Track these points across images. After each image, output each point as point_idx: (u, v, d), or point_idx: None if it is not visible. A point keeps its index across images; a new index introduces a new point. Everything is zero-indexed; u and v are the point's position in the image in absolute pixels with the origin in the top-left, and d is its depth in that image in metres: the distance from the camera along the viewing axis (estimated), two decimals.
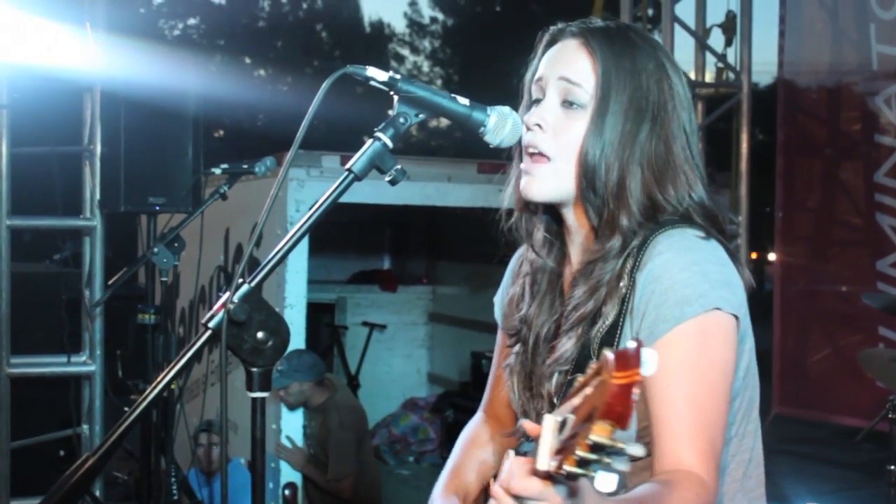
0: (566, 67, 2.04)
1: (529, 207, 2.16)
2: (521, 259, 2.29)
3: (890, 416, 5.25)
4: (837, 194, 9.19)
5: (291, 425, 6.82)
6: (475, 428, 2.50)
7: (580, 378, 1.45)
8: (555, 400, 2.04)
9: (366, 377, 10.10)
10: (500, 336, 2.41)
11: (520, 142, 2.06)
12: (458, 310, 10.40)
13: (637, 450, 1.34)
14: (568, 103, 2.03)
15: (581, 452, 1.34)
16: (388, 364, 10.72)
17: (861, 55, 8.81)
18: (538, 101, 2.08)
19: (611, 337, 1.94)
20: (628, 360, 1.32)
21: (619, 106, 1.99)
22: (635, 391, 1.30)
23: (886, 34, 8.53)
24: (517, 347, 2.19)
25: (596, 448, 1.33)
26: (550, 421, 1.48)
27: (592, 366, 1.42)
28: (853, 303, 8.37)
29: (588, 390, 1.39)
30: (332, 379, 7.09)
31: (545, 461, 1.46)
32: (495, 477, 2.29)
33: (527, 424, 1.63)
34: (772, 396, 9.18)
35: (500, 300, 2.39)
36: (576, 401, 1.43)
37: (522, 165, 2.07)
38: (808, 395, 9.20)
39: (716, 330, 1.89)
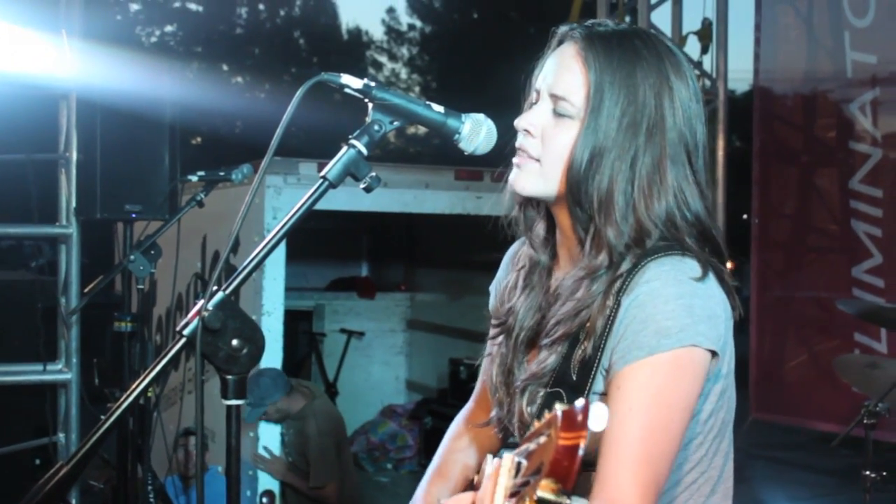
0: (557, 80, 2.03)
1: (530, 203, 2.16)
2: (518, 250, 2.29)
3: (865, 421, 5.28)
4: (813, 201, 9.24)
5: (269, 433, 6.80)
6: (459, 426, 2.50)
7: (537, 423, 1.46)
8: (527, 417, 2.04)
9: (344, 384, 10.08)
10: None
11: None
12: (436, 316, 10.40)
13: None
14: (557, 114, 2.02)
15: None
16: (366, 371, 10.71)
17: (836, 63, 8.87)
18: (533, 104, 2.08)
19: (591, 359, 1.94)
20: (575, 421, 1.32)
21: (610, 118, 1.96)
22: (580, 451, 1.31)
23: (860, 42, 8.58)
24: (500, 338, 2.20)
25: (542, 502, 1.34)
26: (508, 460, 1.49)
27: (546, 415, 1.42)
28: (829, 309, 8.40)
29: (541, 440, 1.41)
30: (307, 386, 7.07)
31: (500, 501, 1.48)
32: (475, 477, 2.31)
33: (488, 466, 1.64)
34: (749, 402, 9.21)
35: (494, 288, 2.39)
36: (531, 445, 1.44)
37: (514, 159, 2.07)
38: (785, 400, 9.24)
39: (687, 365, 1.87)
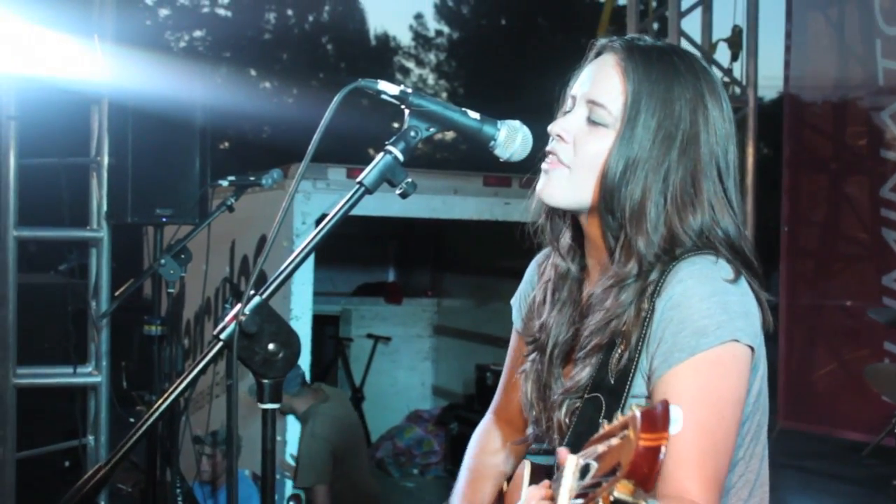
0: (596, 87, 2.03)
1: (557, 212, 2.16)
2: (542, 263, 2.29)
3: (895, 431, 5.23)
4: (843, 209, 9.20)
5: (296, 437, 6.81)
6: (486, 433, 2.51)
7: (606, 425, 1.46)
8: (565, 427, 2.04)
9: (370, 389, 10.09)
10: (514, 338, 2.42)
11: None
12: (463, 322, 10.40)
13: None
14: (592, 122, 2.02)
15: None
16: (392, 376, 10.71)
17: (867, 70, 8.82)
18: (568, 112, 2.08)
19: (629, 362, 1.94)
20: (656, 422, 1.33)
21: (646, 130, 1.97)
22: (662, 453, 1.31)
23: (892, 50, 8.54)
24: (534, 355, 2.19)
25: (617, 503, 1.34)
26: (573, 462, 1.49)
27: (619, 417, 1.42)
28: (859, 317, 8.36)
29: (614, 441, 1.40)
30: (323, 389, 7.02)
31: (565, 502, 1.48)
32: (509, 481, 2.31)
33: (561, 452, 1.63)
34: (777, 411, 9.17)
35: (517, 302, 2.40)
36: (600, 448, 1.44)
37: (543, 165, 2.08)
38: (814, 409, 9.19)
39: (730, 361, 1.88)
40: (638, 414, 1.35)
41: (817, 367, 9.27)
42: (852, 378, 8.57)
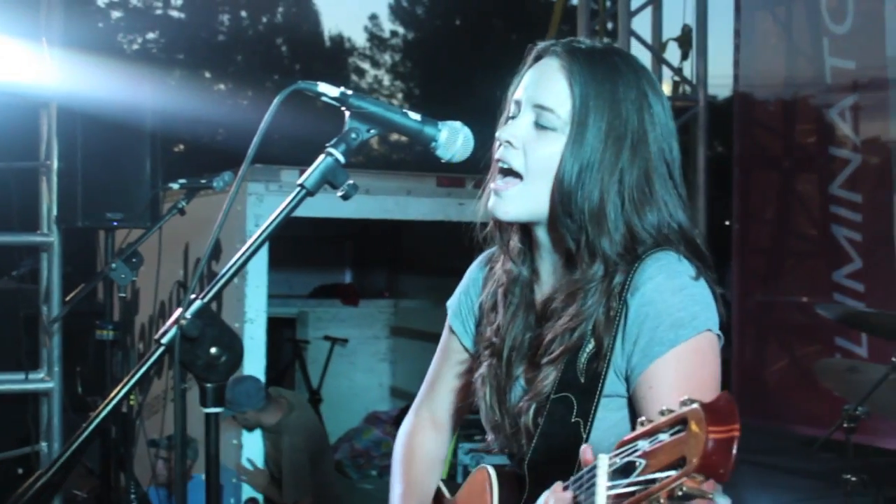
0: (541, 91, 2.05)
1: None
2: (487, 265, 2.29)
3: (845, 425, 5.30)
4: (793, 206, 9.27)
5: (253, 443, 6.79)
6: (417, 441, 2.50)
7: (646, 421, 1.46)
8: (532, 430, 2.04)
9: (328, 391, 10.07)
10: (445, 337, 2.42)
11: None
12: (420, 323, 10.40)
13: (724, 500, 1.36)
14: (540, 126, 2.03)
15: (665, 501, 1.35)
16: (350, 378, 10.70)
17: (815, 68, 8.90)
18: (514, 117, 2.09)
19: (601, 361, 1.96)
20: (723, 414, 1.33)
21: (597, 132, 1.99)
22: (735, 444, 1.31)
23: (839, 48, 8.62)
24: (490, 360, 2.20)
25: (685, 498, 1.33)
26: (605, 461, 1.49)
27: (666, 413, 1.42)
28: (810, 314, 8.42)
29: (666, 438, 1.39)
30: (286, 397, 7.01)
31: (602, 502, 1.47)
32: (453, 491, 2.31)
33: (586, 453, 1.63)
34: None
35: (455, 302, 2.40)
36: (645, 445, 1.43)
37: (492, 185, 2.08)
38: (767, 404, 9.26)
39: (708, 349, 1.94)
40: (696, 407, 1.34)
41: (770, 362, 9.34)
42: (804, 373, 8.64)
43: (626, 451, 1.48)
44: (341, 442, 9.40)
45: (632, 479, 1.43)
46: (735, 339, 9.45)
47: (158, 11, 32.24)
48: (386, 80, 35.52)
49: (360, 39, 35.68)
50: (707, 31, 9.06)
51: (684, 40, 9.25)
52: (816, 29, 8.81)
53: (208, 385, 1.86)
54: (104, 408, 1.80)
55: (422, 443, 2.49)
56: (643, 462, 1.42)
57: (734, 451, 1.33)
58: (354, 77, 33.64)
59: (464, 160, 2.04)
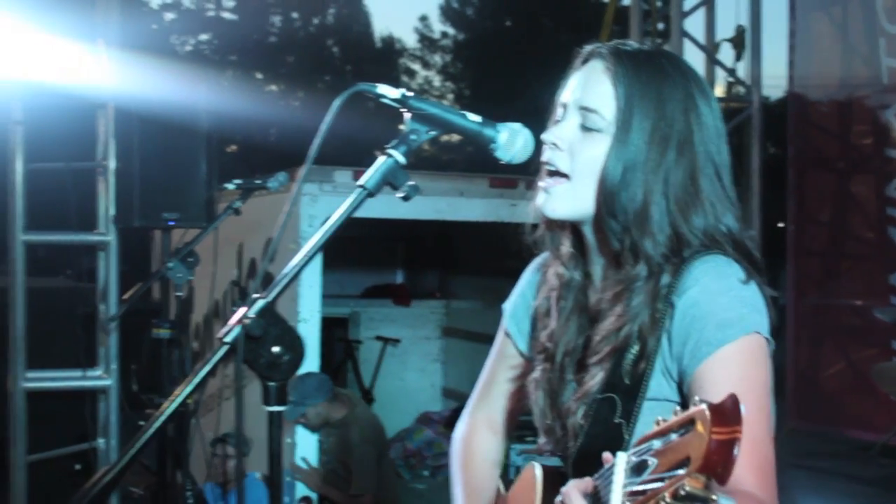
0: (587, 93, 2.04)
1: (556, 222, 2.16)
2: (542, 269, 2.29)
3: None
4: (849, 208, 9.19)
5: (307, 440, 6.83)
6: (475, 444, 2.50)
7: (661, 421, 1.47)
8: (579, 430, 2.04)
9: (380, 391, 10.11)
10: (500, 340, 2.42)
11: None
12: (471, 324, 10.40)
13: (727, 502, 1.36)
14: (586, 128, 2.03)
15: (670, 500, 1.36)
16: (401, 378, 10.72)
17: (871, 69, 8.82)
18: (560, 120, 2.09)
19: (646, 363, 1.95)
20: (727, 415, 1.34)
21: (641, 132, 1.98)
22: (737, 446, 1.32)
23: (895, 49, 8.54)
24: (544, 364, 2.20)
25: (688, 498, 1.34)
26: (623, 459, 1.50)
27: (679, 412, 1.42)
28: (866, 317, 8.36)
29: (674, 437, 1.40)
30: (347, 394, 7.10)
31: (618, 500, 1.48)
32: (507, 485, 2.32)
33: (607, 456, 1.65)
34: (786, 411, 9.16)
35: (511, 306, 2.40)
36: (657, 443, 1.44)
37: (540, 183, 2.08)
38: (823, 409, 9.19)
39: (757, 351, 1.91)
40: (705, 407, 1.35)
41: (826, 366, 9.26)
42: (860, 377, 8.57)
43: (641, 449, 1.49)
44: (393, 442, 9.42)
45: (643, 477, 1.44)
46: (790, 342, 9.38)
47: (211, 13, 32.51)
48: (436, 81, 35.60)
49: (410, 40, 35.79)
50: (761, 32, 8.99)
51: (738, 41, 9.20)
52: (872, 29, 8.73)
53: (270, 384, 1.87)
54: (170, 406, 1.82)
55: (479, 445, 2.50)
56: (654, 461, 1.43)
57: (735, 453, 1.33)
58: (405, 78, 33.73)
59: (523, 162, 2.04)
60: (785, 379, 9.19)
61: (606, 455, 1.66)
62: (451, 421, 9.54)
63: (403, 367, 10.77)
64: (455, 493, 2.46)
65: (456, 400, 10.34)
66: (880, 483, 8.06)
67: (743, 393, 1.85)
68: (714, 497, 1.34)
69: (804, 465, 8.65)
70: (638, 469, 1.47)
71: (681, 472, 1.35)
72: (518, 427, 2.50)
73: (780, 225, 9.94)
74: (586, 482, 1.72)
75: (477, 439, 2.50)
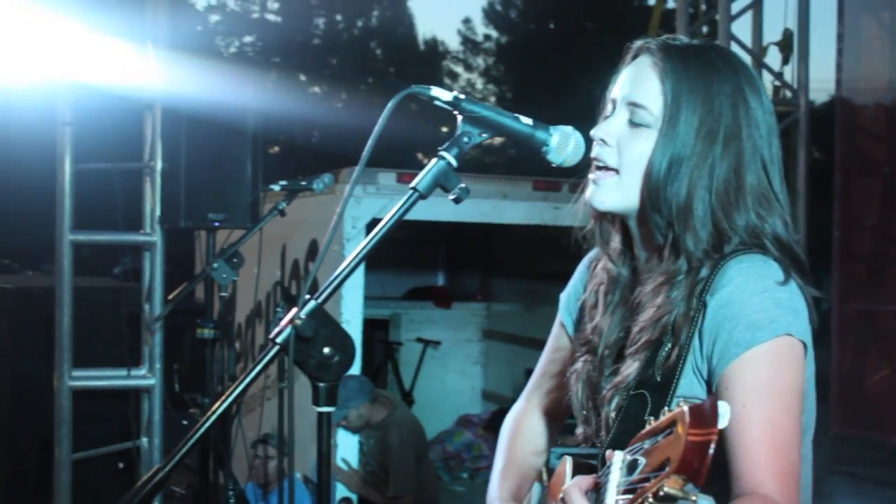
0: (634, 89, 2.05)
1: (605, 217, 2.17)
2: (594, 262, 2.30)
3: None
4: None
5: (347, 442, 6.85)
6: (526, 426, 2.52)
7: (652, 422, 1.47)
8: (611, 424, 2.05)
9: (420, 393, 10.12)
10: (556, 328, 2.43)
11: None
12: (512, 327, 10.40)
13: (706, 502, 1.37)
14: (634, 123, 2.03)
15: (652, 500, 1.37)
16: (442, 380, 10.73)
17: None
18: (609, 116, 2.09)
19: (677, 360, 1.94)
20: (705, 417, 1.35)
21: (688, 127, 1.97)
22: (711, 448, 1.32)
23: None
24: (585, 356, 2.21)
25: (667, 498, 1.35)
26: (620, 458, 1.51)
27: (666, 413, 1.43)
28: None
29: (661, 439, 1.41)
30: (387, 395, 7.12)
31: (612, 497, 1.49)
32: (550, 475, 2.32)
33: (609, 454, 1.66)
34: (830, 416, 9.09)
35: (566, 297, 2.41)
36: (647, 444, 1.45)
37: (590, 175, 2.09)
38: (867, 415, 9.09)
39: (787, 354, 1.89)
40: (686, 409, 1.36)
41: (871, 372, 9.17)
42: None
43: (634, 448, 1.51)
44: (432, 444, 9.43)
45: (634, 476, 1.47)
46: (835, 348, 9.29)
47: (255, 15, 32.69)
48: (479, 84, 35.63)
49: (453, 43, 35.93)
50: (808, 35, 8.91)
51: (785, 45, 9.12)
52: None
53: (321, 384, 1.88)
54: (221, 404, 1.82)
55: (529, 425, 2.52)
56: (644, 461, 1.46)
57: (709, 454, 1.33)
58: (448, 80, 33.81)
59: (575, 164, 2.04)
60: (829, 384, 9.11)
61: (609, 453, 1.67)
62: (490, 424, 9.54)
63: (443, 370, 10.78)
64: (496, 461, 2.48)
65: (496, 402, 10.34)
66: None
67: (769, 396, 1.86)
68: (693, 498, 1.34)
69: (846, 472, 8.58)
70: (631, 468, 1.49)
71: (662, 472, 1.36)
72: (566, 427, 2.51)
73: (826, 230, 9.86)
74: (589, 479, 1.75)
75: (528, 419, 2.53)
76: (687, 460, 1.33)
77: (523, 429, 2.51)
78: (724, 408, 1.38)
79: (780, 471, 1.82)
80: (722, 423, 1.37)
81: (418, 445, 6.93)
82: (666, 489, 1.35)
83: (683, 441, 1.34)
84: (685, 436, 1.34)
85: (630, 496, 1.44)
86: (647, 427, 1.50)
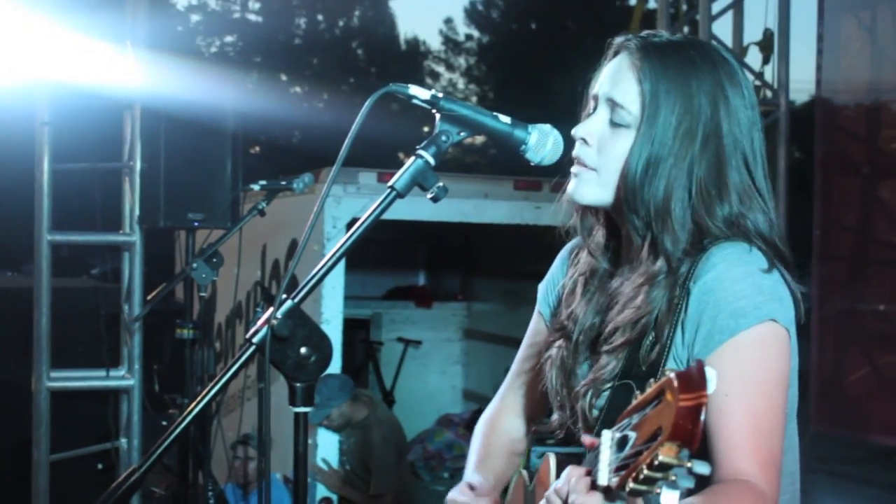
0: (614, 88, 2.04)
1: (589, 210, 2.17)
2: (574, 251, 2.29)
3: None
4: (876, 213, 9.13)
5: (327, 442, 6.83)
6: (497, 418, 2.52)
7: (639, 396, 1.47)
8: (591, 417, 2.05)
9: (401, 393, 10.11)
10: (534, 319, 2.42)
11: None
12: (493, 326, 10.40)
13: (703, 468, 1.36)
14: (614, 123, 2.03)
15: (647, 471, 1.36)
16: (423, 380, 10.72)
17: None
18: (590, 114, 2.09)
19: (661, 351, 1.94)
20: (693, 382, 1.34)
21: (666, 126, 1.97)
22: (703, 412, 1.32)
23: None
24: (560, 342, 2.20)
25: (662, 467, 1.34)
26: (608, 436, 1.50)
27: (653, 384, 1.43)
28: (891, 322, 8.31)
29: (649, 410, 1.41)
30: (368, 394, 7.11)
31: (606, 476, 1.48)
32: (531, 479, 2.31)
33: (586, 439, 1.65)
34: (809, 415, 9.11)
35: (545, 287, 2.40)
36: (636, 418, 1.44)
37: (572, 168, 2.09)
38: (846, 414, 9.12)
39: (771, 340, 1.89)
40: (673, 376, 1.36)
41: (850, 370, 9.20)
42: (885, 382, 8.52)
43: (622, 425, 1.50)
44: (413, 444, 9.42)
45: (625, 452, 1.46)
46: (814, 347, 9.32)
47: (236, 15, 32.61)
48: (460, 84, 35.61)
49: (434, 43, 35.85)
50: (789, 36, 8.93)
51: (766, 45, 9.14)
52: None
53: (297, 384, 1.86)
54: (197, 405, 1.81)
55: (503, 425, 2.51)
56: (634, 435, 1.45)
57: (702, 418, 1.33)
58: (429, 80, 33.76)
59: (553, 163, 2.03)
60: (809, 383, 9.14)
61: (586, 438, 1.68)
62: (471, 423, 9.50)
63: (424, 369, 10.77)
64: (468, 460, 2.46)
65: (477, 402, 10.34)
66: None
67: (752, 384, 1.86)
68: (688, 464, 1.34)
69: (825, 470, 8.61)
70: (621, 445, 1.48)
71: (655, 442, 1.36)
72: (541, 440, 2.50)
73: (806, 230, 9.90)
74: (579, 470, 1.71)
75: (503, 419, 2.52)
76: (679, 426, 1.33)
77: (497, 430, 2.50)
78: (711, 372, 1.38)
79: (762, 459, 1.82)
80: (710, 388, 1.36)
81: (399, 444, 6.93)
82: (661, 458, 1.34)
83: (674, 407, 1.34)
84: (675, 402, 1.34)
85: (623, 472, 1.44)
86: (634, 402, 1.49)
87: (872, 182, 9.23)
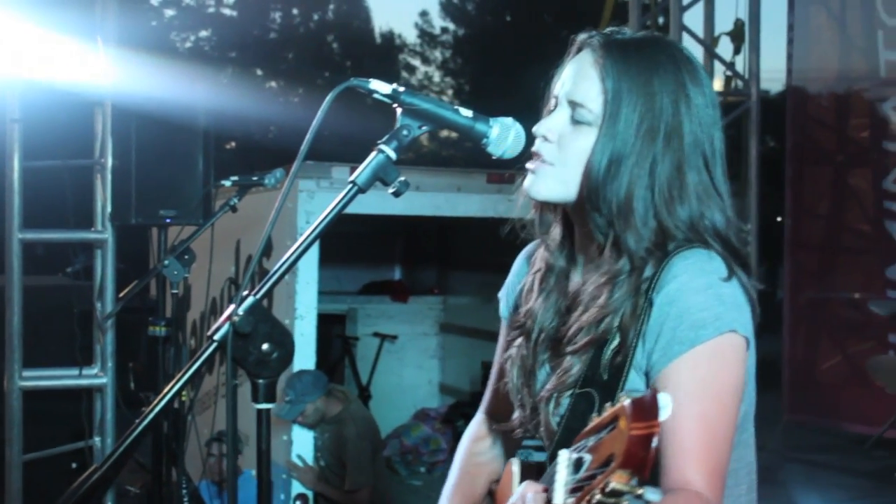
0: (576, 87, 2.04)
1: (547, 206, 2.17)
2: (532, 254, 2.30)
3: None
4: (846, 201, 9.20)
5: (302, 438, 6.83)
6: (477, 433, 2.53)
7: (595, 418, 1.48)
8: (553, 424, 2.05)
9: (377, 388, 10.10)
10: (503, 331, 2.43)
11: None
12: (469, 320, 10.40)
13: (654, 495, 1.37)
14: (575, 121, 2.03)
15: (600, 496, 1.37)
16: (399, 375, 10.71)
17: (869, 62, 8.83)
18: (552, 111, 2.09)
19: (623, 359, 1.94)
20: (646, 410, 1.35)
21: (628, 125, 1.97)
22: (654, 441, 1.33)
23: (894, 41, 8.54)
24: (519, 340, 2.21)
25: (614, 493, 1.36)
26: (565, 456, 1.51)
27: (608, 409, 1.44)
28: (863, 310, 8.37)
29: (604, 434, 1.42)
30: (342, 390, 7.10)
31: (561, 497, 1.50)
32: (497, 481, 2.32)
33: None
34: (782, 404, 9.17)
35: (504, 294, 2.41)
36: (592, 440, 1.46)
37: (528, 164, 2.08)
38: (819, 402, 9.19)
39: (729, 352, 1.90)
40: (627, 404, 1.37)
41: (822, 359, 9.26)
42: (857, 371, 8.58)
43: (579, 446, 1.51)
44: (390, 438, 9.42)
45: (580, 474, 1.47)
46: (786, 336, 9.39)
47: (211, 10, 32.49)
48: (436, 77, 35.61)
49: (410, 36, 35.81)
50: (760, 26, 8.98)
51: (736, 35, 9.19)
52: (871, 22, 8.73)
53: (260, 381, 1.86)
54: (158, 403, 1.81)
55: (483, 440, 2.52)
56: (589, 458, 1.46)
57: (653, 447, 1.34)
58: (405, 74, 33.75)
59: (515, 156, 2.03)
60: (781, 372, 9.19)
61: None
62: (448, 417, 9.55)
63: (401, 364, 10.76)
64: (448, 478, 2.49)
65: (453, 396, 10.35)
66: (874, 476, 8.07)
67: (706, 395, 1.87)
68: (639, 491, 1.35)
69: (799, 458, 8.66)
70: (577, 465, 1.49)
71: (608, 468, 1.37)
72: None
73: (778, 219, 9.95)
74: (536, 486, 1.74)
75: (482, 433, 2.53)
76: (631, 454, 1.34)
77: (479, 442, 2.52)
78: (664, 399, 1.39)
79: (709, 469, 1.83)
80: (663, 416, 1.37)
81: (374, 439, 6.93)
82: (612, 485, 1.35)
83: (626, 435, 1.35)
84: (627, 430, 1.35)
85: (578, 494, 1.45)
86: (591, 423, 1.50)
87: (843, 171, 9.30)
